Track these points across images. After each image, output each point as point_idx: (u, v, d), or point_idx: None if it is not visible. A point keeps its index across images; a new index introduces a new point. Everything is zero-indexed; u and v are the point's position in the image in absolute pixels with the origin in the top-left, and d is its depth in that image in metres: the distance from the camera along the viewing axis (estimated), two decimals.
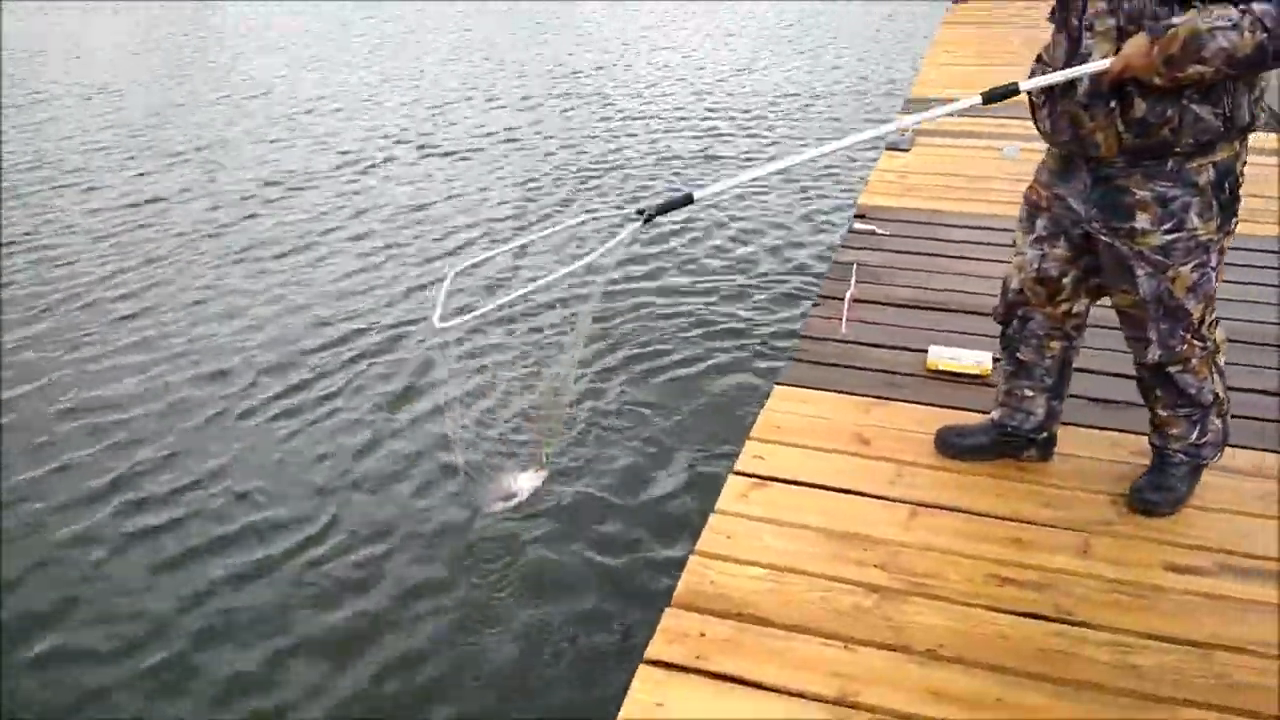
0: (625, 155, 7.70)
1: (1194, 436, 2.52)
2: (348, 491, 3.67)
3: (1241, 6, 1.98)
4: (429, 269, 5.59)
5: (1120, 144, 2.18)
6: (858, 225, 4.53)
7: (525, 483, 2.73)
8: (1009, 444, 2.75)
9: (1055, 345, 2.60)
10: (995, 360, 3.21)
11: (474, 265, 2.51)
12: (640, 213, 2.28)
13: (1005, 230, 4.18)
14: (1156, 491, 2.56)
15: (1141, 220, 2.25)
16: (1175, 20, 2.01)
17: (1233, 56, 1.99)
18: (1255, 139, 2.37)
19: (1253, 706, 1.98)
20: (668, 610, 2.26)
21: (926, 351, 3.35)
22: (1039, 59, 2.36)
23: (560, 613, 3.06)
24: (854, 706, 2.00)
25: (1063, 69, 2.19)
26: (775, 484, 2.72)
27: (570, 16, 14.74)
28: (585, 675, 2.84)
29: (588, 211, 2.71)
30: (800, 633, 2.19)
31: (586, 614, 3.07)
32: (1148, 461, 2.65)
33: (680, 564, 2.43)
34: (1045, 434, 2.74)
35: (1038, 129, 2.38)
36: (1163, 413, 2.53)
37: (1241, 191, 2.27)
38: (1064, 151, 2.36)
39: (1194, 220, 2.23)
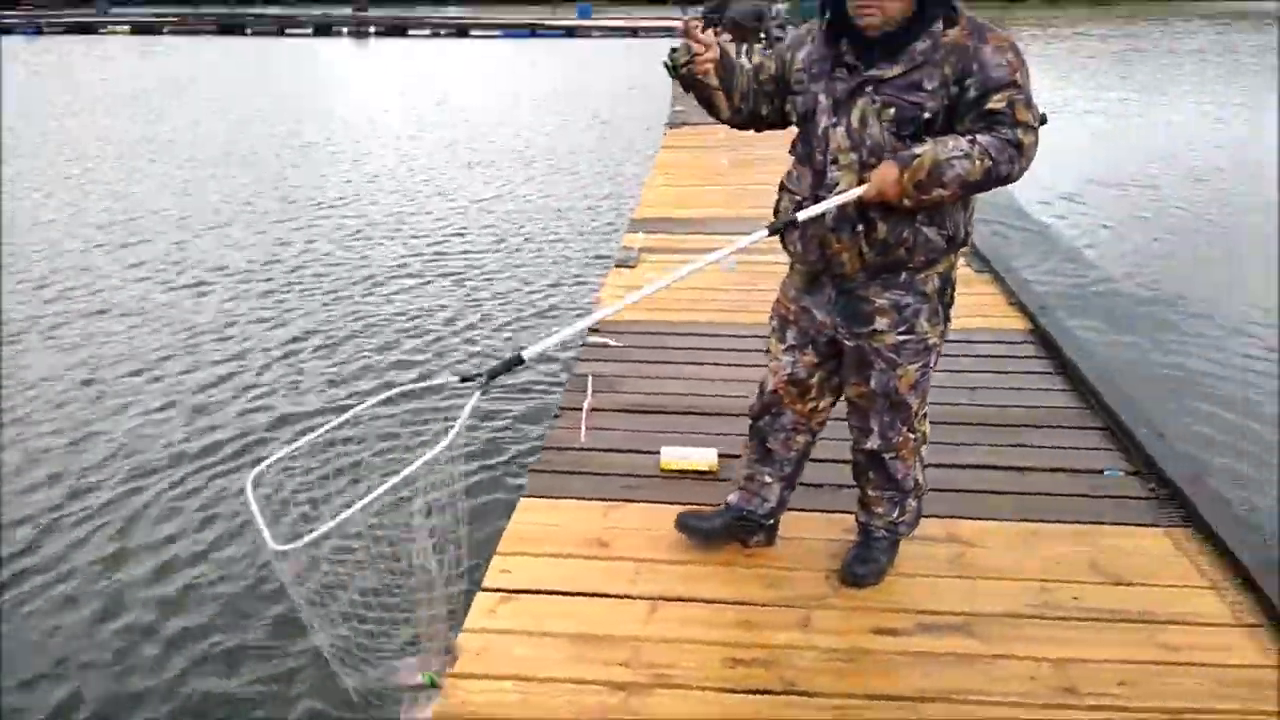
0: (389, 309, 7.54)
1: (895, 515, 2.82)
2: None
3: (969, 138, 2.30)
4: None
5: (863, 262, 2.47)
6: (591, 339, 4.76)
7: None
8: (742, 527, 2.95)
9: (800, 440, 2.83)
10: (723, 456, 3.48)
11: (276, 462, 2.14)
12: (468, 379, 2.21)
13: (727, 336, 4.54)
14: (863, 565, 2.84)
15: (880, 323, 2.53)
16: (916, 150, 2.30)
17: (966, 181, 2.31)
18: None
19: None
20: None
21: (659, 453, 3.56)
22: (783, 186, 2.61)
23: None
24: None
25: (811, 197, 2.46)
26: (522, 595, 2.78)
27: (314, 160, 14.62)
28: None
29: (398, 386, 2.63)
30: None
31: None
32: (854, 537, 2.93)
33: None
34: (773, 520, 2.97)
35: (787, 251, 2.63)
36: (871, 493, 2.82)
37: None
38: (811, 270, 2.61)
39: (924, 325, 2.55)
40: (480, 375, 2.21)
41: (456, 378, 2.31)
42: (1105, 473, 3.50)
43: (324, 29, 40.94)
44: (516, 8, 52.40)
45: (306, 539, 1.91)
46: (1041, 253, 8.05)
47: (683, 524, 2.98)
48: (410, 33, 41.09)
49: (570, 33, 39.34)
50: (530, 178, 11.97)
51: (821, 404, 2.78)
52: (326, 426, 2.24)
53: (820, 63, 2.45)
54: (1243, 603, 2.78)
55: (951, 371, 4.33)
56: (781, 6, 19.12)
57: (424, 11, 51.55)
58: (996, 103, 2.30)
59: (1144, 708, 2.38)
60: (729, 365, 4.37)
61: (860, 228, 2.44)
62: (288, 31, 40.28)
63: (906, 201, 2.35)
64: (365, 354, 6.07)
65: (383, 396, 2.39)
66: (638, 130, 15.21)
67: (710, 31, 2.51)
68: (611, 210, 9.98)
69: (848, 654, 2.52)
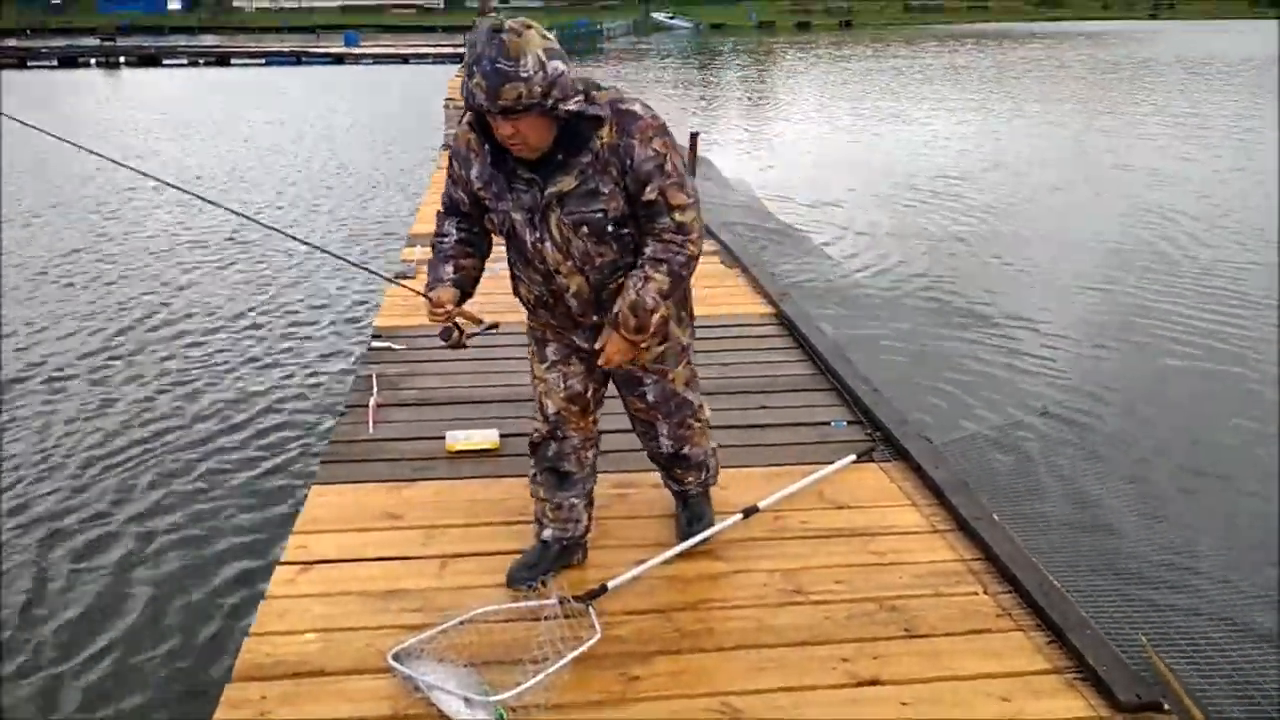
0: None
1: (702, 476, 3.13)
2: None
3: (640, 262, 2.50)
4: None
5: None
6: (375, 343, 4.99)
7: None
8: (566, 553, 2.99)
9: (589, 454, 2.94)
10: (504, 436, 3.81)
11: None
12: (579, 599, 2.64)
13: (503, 334, 4.83)
14: (698, 522, 3.11)
15: None
16: (613, 310, 2.51)
17: (664, 292, 2.50)
18: None
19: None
20: (228, 685, 2.46)
21: (444, 438, 3.85)
22: (515, 277, 2.71)
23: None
24: (405, 718, 2.36)
25: (549, 294, 2.61)
26: (320, 566, 3.02)
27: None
28: None
29: (520, 602, 2.66)
30: (354, 674, 2.51)
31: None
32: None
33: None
34: (587, 535, 3.05)
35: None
36: (678, 471, 3.07)
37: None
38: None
39: (675, 330, 2.77)
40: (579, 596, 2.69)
41: (568, 597, 2.66)
42: (833, 424, 4.09)
43: (69, 60, 38.23)
44: (276, 36, 50.64)
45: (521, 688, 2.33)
46: (785, 250, 8.89)
47: (513, 578, 2.92)
48: (165, 62, 39.03)
49: (339, 60, 38.59)
50: (311, 200, 11.92)
51: (598, 414, 2.91)
52: (458, 619, 2.62)
53: (496, 180, 2.51)
54: (937, 514, 3.37)
55: (708, 351, 4.86)
56: (616, 26, 19.65)
57: (178, 40, 49.08)
58: (650, 194, 2.43)
59: (857, 598, 2.89)
60: (504, 360, 4.69)
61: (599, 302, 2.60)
62: (29, 64, 37.29)
63: (645, 345, 2.60)
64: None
65: (507, 608, 2.73)
66: (411, 153, 15.33)
67: (438, 294, 2.61)
68: (393, 227, 10.16)
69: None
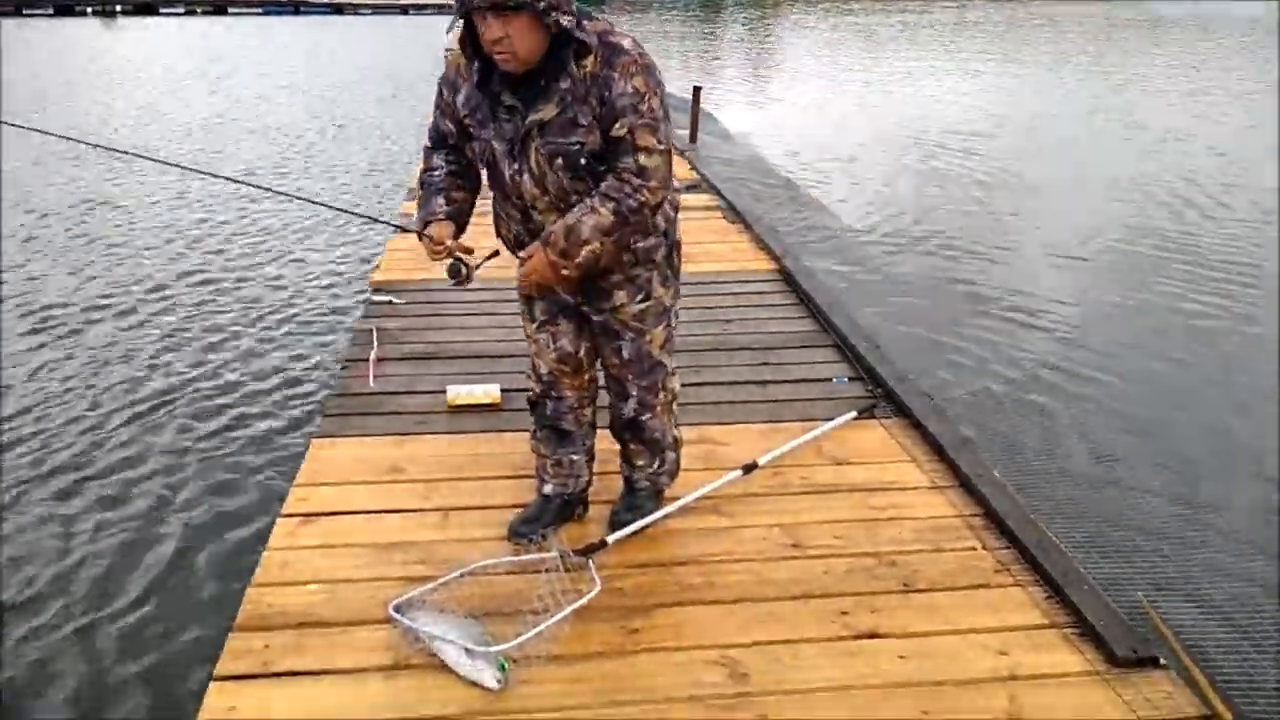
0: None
1: (655, 467, 2.99)
2: None
3: (591, 192, 2.42)
4: None
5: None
6: (375, 297, 4.97)
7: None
8: (567, 507, 3.00)
9: (588, 412, 2.93)
10: (505, 391, 3.81)
11: None
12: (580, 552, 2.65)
13: (501, 289, 4.82)
14: (629, 512, 2.97)
15: (619, 297, 2.66)
16: (549, 227, 2.44)
17: (603, 228, 2.40)
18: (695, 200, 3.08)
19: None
20: (231, 634, 2.48)
21: (445, 392, 3.85)
22: (497, 215, 2.67)
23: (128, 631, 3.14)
24: (407, 668, 2.38)
25: (525, 232, 2.56)
26: (321, 518, 3.03)
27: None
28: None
29: (517, 556, 2.58)
30: (356, 625, 2.53)
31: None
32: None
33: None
34: (588, 490, 3.06)
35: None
36: (632, 447, 2.96)
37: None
38: None
39: (658, 289, 2.69)
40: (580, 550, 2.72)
41: (568, 551, 2.65)
42: (834, 380, 4.08)
43: (66, 9, 37.76)
44: None
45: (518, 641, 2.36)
46: (789, 206, 8.83)
47: (514, 532, 2.93)
48: (162, 10, 38.57)
49: (338, 9, 38.13)
50: (308, 154, 11.85)
51: (594, 372, 2.89)
52: (459, 571, 2.65)
53: (481, 106, 2.48)
54: (938, 471, 3.38)
55: (708, 307, 4.85)
56: None
57: None
58: (618, 130, 2.36)
59: (855, 552, 2.90)
60: (505, 315, 4.68)
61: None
62: (25, 12, 36.84)
63: (566, 273, 2.48)
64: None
65: (508, 560, 2.75)
66: (410, 104, 15.19)
67: (436, 230, 2.55)
68: (394, 179, 10.11)
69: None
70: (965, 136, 12.78)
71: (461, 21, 2.38)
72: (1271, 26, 28.95)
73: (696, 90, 10.56)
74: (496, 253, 2.65)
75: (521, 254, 2.56)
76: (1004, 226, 8.61)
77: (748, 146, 11.73)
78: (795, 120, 14.61)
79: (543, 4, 2.24)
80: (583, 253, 2.44)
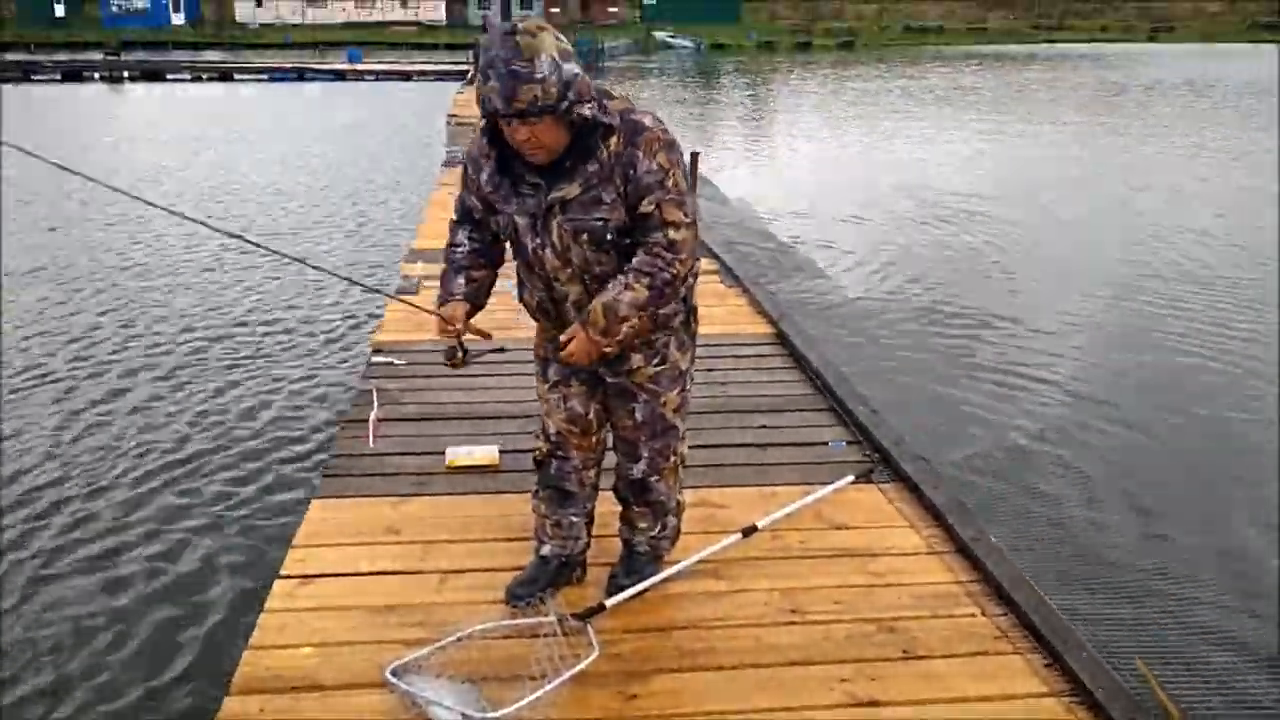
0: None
1: (657, 531, 2.98)
2: None
3: (625, 269, 2.47)
4: None
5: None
6: (375, 358, 5.00)
7: None
8: (565, 569, 2.99)
9: (591, 473, 2.93)
10: (503, 452, 3.83)
11: None
12: (578, 616, 2.65)
13: (499, 350, 4.84)
14: (629, 576, 2.96)
15: (635, 360, 2.68)
16: (607, 267, 2.49)
17: (640, 304, 2.46)
18: None
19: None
20: (228, 697, 2.47)
21: (445, 453, 3.86)
22: (520, 281, 2.70)
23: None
24: None
25: (549, 301, 2.62)
26: (319, 580, 3.03)
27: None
28: None
29: (516, 620, 2.68)
30: (353, 689, 2.52)
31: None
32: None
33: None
34: (586, 553, 3.06)
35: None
36: (636, 509, 2.95)
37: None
38: None
39: (674, 353, 2.72)
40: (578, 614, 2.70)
41: (566, 615, 2.65)
42: (830, 444, 4.10)
43: (73, 74, 38.29)
44: (279, 52, 50.75)
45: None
46: (785, 270, 8.92)
47: (512, 594, 2.92)
48: (168, 77, 39.13)
49: (341, 76, 38.74)
50: (312, 216, 11.98)
51: (602, 434, 2.89)
52: (456, 635, 2.63)
53: (504, 183, 2.53)
54: (935, 536, 3.38)
55: (707, 370, 4.88)
56: (618, 45, 19.49)
57: (181, 55, 49.29)
58: (646, 207, 2.43)
59: (855, 619, 2.90)
60: (505, 376, 4.70)
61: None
62: (33, 78, 37.36)
63: (608, 349, 2.54)
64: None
65: (506, 624, 2.74)
66: (413, 169, 15.39)
67: (450, 310, 2.65)
68: (395, 242, 10.21)
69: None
70: (963, 198, 12.94)
71: (473, 87, 2.47)
72: (1268, 88, 29.44)
73: (695, 156, 10.70)
74: (502, 349, 2.70)
75: (562, 337, 2.59)
76: (1000, 289, 8.70)
77: (745, 210, 11.87)
78: (792, 184, 14.79)
79: (565, 104, 2.28)
80: (623, 329, 2.49)
